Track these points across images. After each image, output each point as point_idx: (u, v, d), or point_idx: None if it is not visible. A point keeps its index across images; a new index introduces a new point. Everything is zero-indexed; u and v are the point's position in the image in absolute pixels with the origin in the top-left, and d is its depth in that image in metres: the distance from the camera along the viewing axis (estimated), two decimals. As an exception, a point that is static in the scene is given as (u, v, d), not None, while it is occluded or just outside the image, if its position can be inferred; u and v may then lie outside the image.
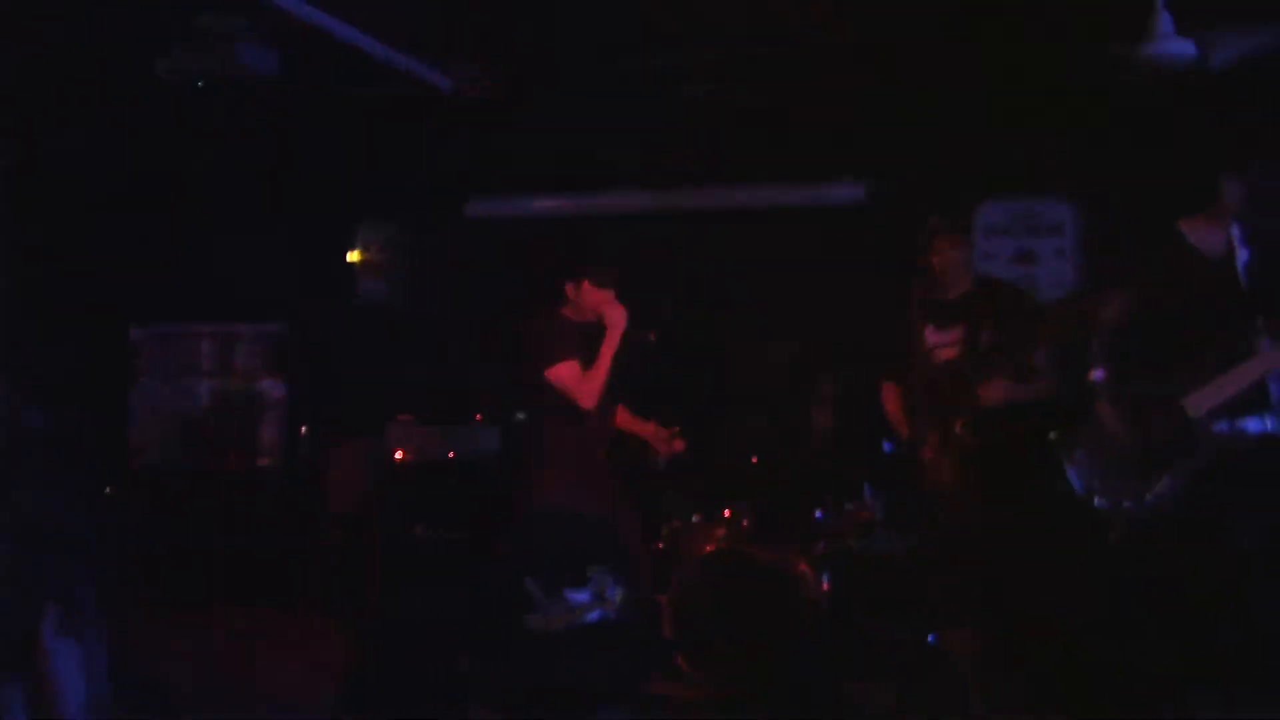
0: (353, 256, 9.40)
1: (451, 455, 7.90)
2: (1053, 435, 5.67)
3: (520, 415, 8.18)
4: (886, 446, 6.04)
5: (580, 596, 2.86)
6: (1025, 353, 5.32)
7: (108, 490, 8.12)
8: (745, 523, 6.90)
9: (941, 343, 5.66)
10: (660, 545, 7.08)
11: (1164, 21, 5.83)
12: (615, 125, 7.99)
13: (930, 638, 5.92)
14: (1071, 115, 7.57)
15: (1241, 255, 5.26)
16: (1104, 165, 7.68)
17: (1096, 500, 5.40)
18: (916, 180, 7.60)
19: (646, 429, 6.69)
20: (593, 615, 2.65)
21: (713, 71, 7.14)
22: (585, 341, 6.18)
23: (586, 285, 6.19)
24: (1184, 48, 5.95)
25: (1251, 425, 5.16)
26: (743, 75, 7.18)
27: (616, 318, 6.17)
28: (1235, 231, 5.29)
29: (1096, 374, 5.46)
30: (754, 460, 7.29)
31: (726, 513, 7.06)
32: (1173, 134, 7.08)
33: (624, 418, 6.65)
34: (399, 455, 7.94)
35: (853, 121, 7.87)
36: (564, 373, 6.18)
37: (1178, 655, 5.61)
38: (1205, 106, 6.82)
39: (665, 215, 8.51)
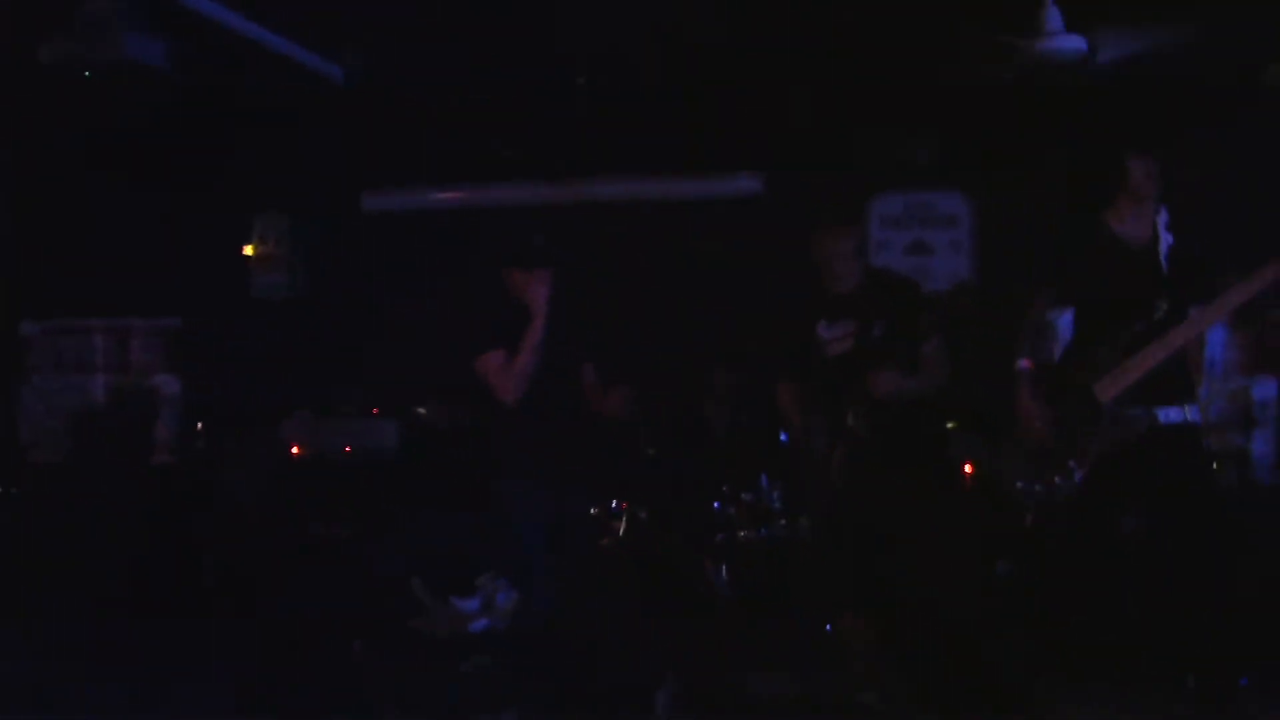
0: (249, 250, 9.29)
1: (348, 450, 7.82)
2: (950, 425, 5.73)
3: (421, 410, 8.15)
4: (783, 438, 6.05)
5: (468, 605, 2.80)
6: (916, 344, 5.34)
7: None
8: (644, 515, 6.92)
9: (834, 336, 5.66)
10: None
11: (1053, 18, 5.89)
12: (512, 116, 7.97)
13: (827, 627, 5.95)
14: (967, 109, 7.65)
15: (1165, 241, 5.31)
16: (999, 159, 7.77)
17: (1018, 484, 5.47)
18: (814, 172, 7.63)
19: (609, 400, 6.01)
20: (479, 624, 2.61)
21: (607, 63, 7.11)
22: (516, 331, 5.72)
23: (515, 271, 5.77)
24: (1073, 43, 6.03)
25: (1171, 415, 5.21)
26: (638, 67, 7.17)
27: (536, 304, 5.68)
28: (1161, 219, 5.33)
29: (1022, 364, 5.50)
30: (652, 453, 7.30)
31: (624, 505, 7.09)
32: (1065, 128, 7.16)
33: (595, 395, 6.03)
34: (295, 450, 7.86)
35: (751, 114, 7.89)
36: (488, 364, 5.75)
37: (1067, 642, 5.71)
38: (1096, 100, 6.92)
39: (564, 207, 8.48)
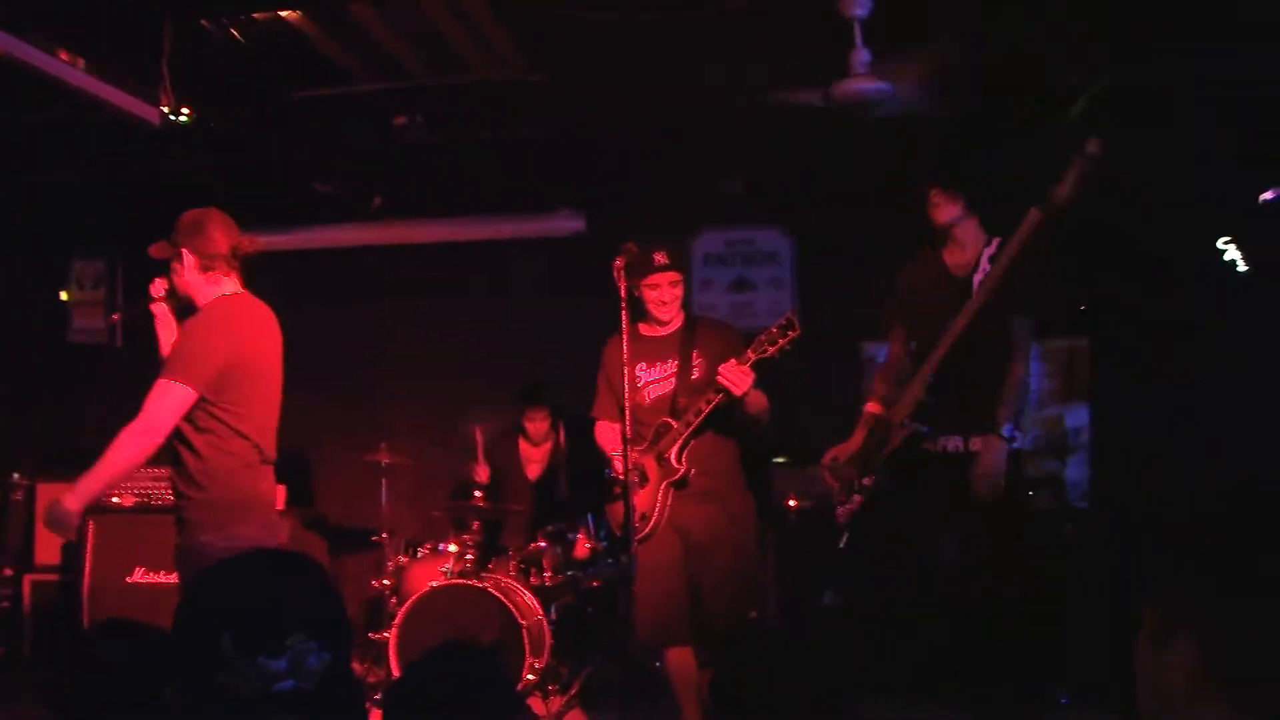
0: (64, 295, 9.10)
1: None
2: (779, 460, 5.80)
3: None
4: (608, 474, 6.05)
5: (276, 664, 2.71)
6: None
7: None
8: (470, 556, 6.88)
9: (654, 378, 5.70)
10: (386, 581, 7.02)
11: (860, 59, 6.00)
12: (333, 157, 7.92)
13: (656, 664, 5.97)
14: (785, 148, 7.77)
15: (983, 270, 5.41)
16: (818, 196, 7.90)
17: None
18: (637, 210, 7.68)
19: None
20: (286, 684, 2.55)
21: (424, 104, 7.10)
22: None
23: None
24: (879, 85, 6.14)
25: (952, 443, 5.32)
26: (457, 108, 7.17)
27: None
28: (986, 251, 5.40)
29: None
30: (477, 492, 7.26)
31: (452, 546, 7.04)
32: (880, 165, 7.31)
33: None
34: (116, 500, 7.66)
35: (571, 153, 7.94)
36: None
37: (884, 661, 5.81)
38: (909, 139, 7.08)
39: (388, 248, 8.45)
